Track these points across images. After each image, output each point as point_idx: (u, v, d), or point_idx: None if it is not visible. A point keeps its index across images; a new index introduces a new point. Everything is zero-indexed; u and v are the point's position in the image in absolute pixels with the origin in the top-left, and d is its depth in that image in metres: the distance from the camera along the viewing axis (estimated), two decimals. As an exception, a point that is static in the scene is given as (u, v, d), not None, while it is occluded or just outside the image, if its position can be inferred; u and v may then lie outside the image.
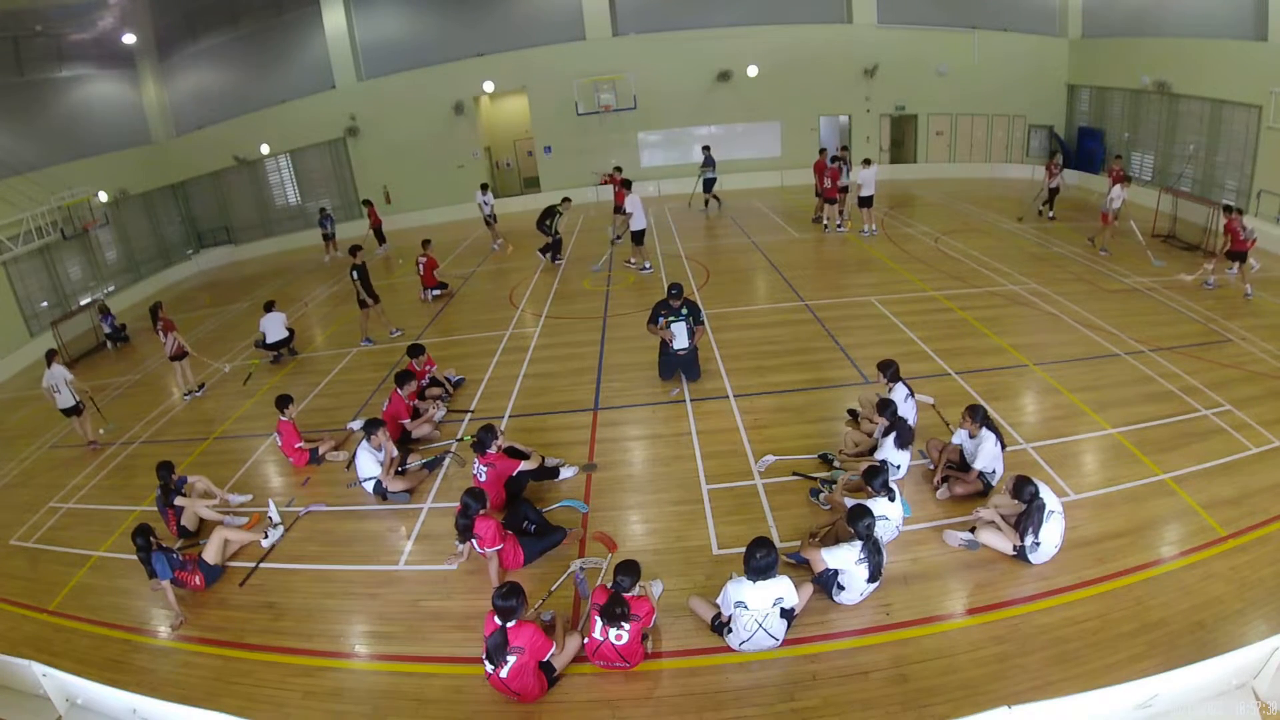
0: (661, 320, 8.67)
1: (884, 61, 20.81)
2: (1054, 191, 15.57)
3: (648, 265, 14.12)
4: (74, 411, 9.41)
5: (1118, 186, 13.06)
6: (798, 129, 21.90)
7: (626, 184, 14.65)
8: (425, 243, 13.96)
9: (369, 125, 21.55)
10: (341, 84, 21.33)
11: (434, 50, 21.16)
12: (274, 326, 11.54)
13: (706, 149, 18.86)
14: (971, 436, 6.26)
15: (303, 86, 21.35)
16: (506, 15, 21.17)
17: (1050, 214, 15.58)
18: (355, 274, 11.58)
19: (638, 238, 13.82)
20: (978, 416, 6.18)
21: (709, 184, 18.83)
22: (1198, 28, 15.72)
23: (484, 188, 18.01)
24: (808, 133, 21.84)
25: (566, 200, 15.69)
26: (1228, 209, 10.87)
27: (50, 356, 9.56)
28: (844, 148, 18.41)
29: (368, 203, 19.19)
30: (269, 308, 11.63)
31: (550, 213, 15.07)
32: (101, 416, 10.14)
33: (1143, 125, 17.79)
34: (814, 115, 21.94)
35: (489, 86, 21.43)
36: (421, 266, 13.71)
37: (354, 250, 12.02)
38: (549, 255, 15.40)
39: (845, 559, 4.99)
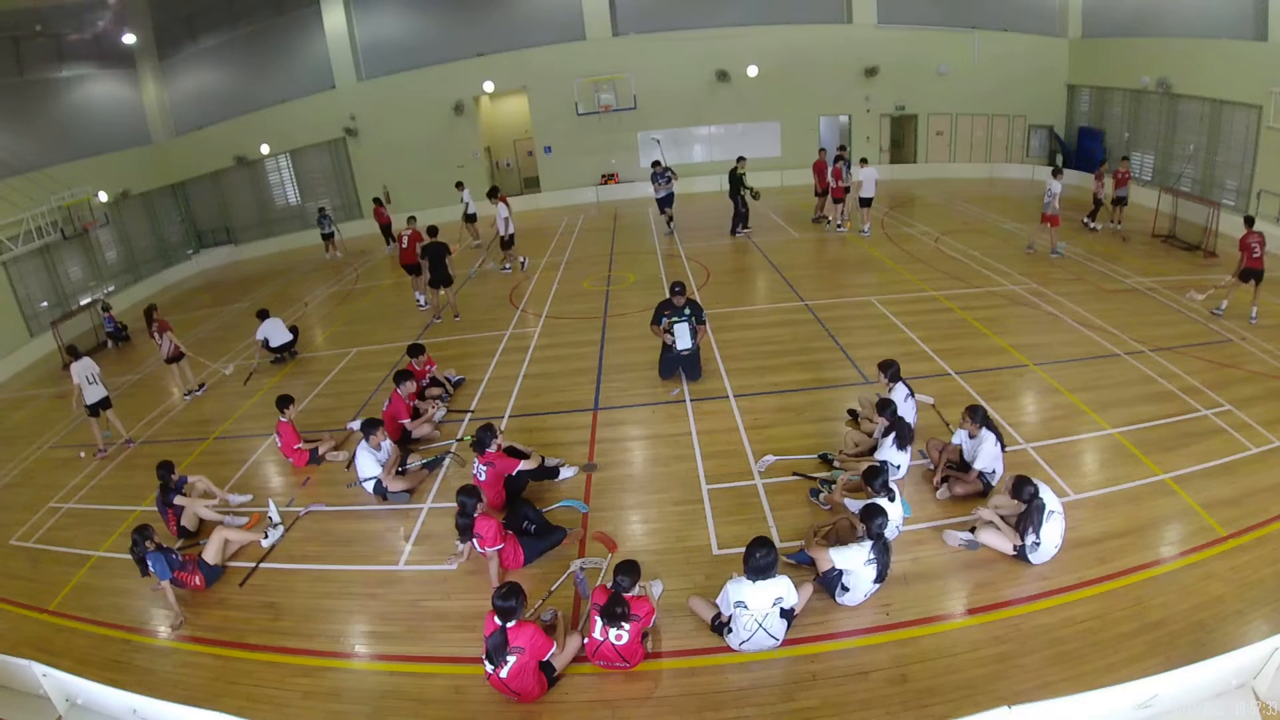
0: (665, 320, 8.70)
1: (884, 61, 20.80)
2: (1117, 201, 14.51)
3: (507, 267, 15.10)
4: (102, 406, 9.25)
5: (1054, 182, 12.84)
6: (798, 129, 21.90)
7: (494, 191, 15.08)
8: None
9: (369, 125, 21.54)
10: (341, 84, 21.32)
11: (434, 50, 21.16)
12: (276, 331, 11.42)
13: (657, 164, 16.47)
14: (971, 437, 6.26)
15: (303, 86, 21.35)
16: (506, 15, 21.17)
17: (1117, 223, 14.60)
18: (433, 253, 11.72)
19: (506, 243, 14.75)
20: (977, 417, 6.18)
21: (666, 201, 16.58)
22: (1198, 28, 15.72)
23: (460, 185, 17.71)
24: (808, 133, 21.84)
25: (741, 159, 15.66)
26: (1249, 221, 9.82)
27: (75, 352, 9.52)
28: (841, 147, 18.27)
29: (377, 201, 19.14)
30: (263, 315, 11.42)
31: (736, 181, 15.34)
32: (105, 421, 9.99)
33: (1143, 125, 17.78)
34: (814, 115, 21.94)
35: (489, 86, 21.43)
36: (407, 240, 13.24)
37: (432, 230, 12.18)
38: (739, 226, 15.80)
39: (854, 559, 4.97)
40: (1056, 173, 13.37)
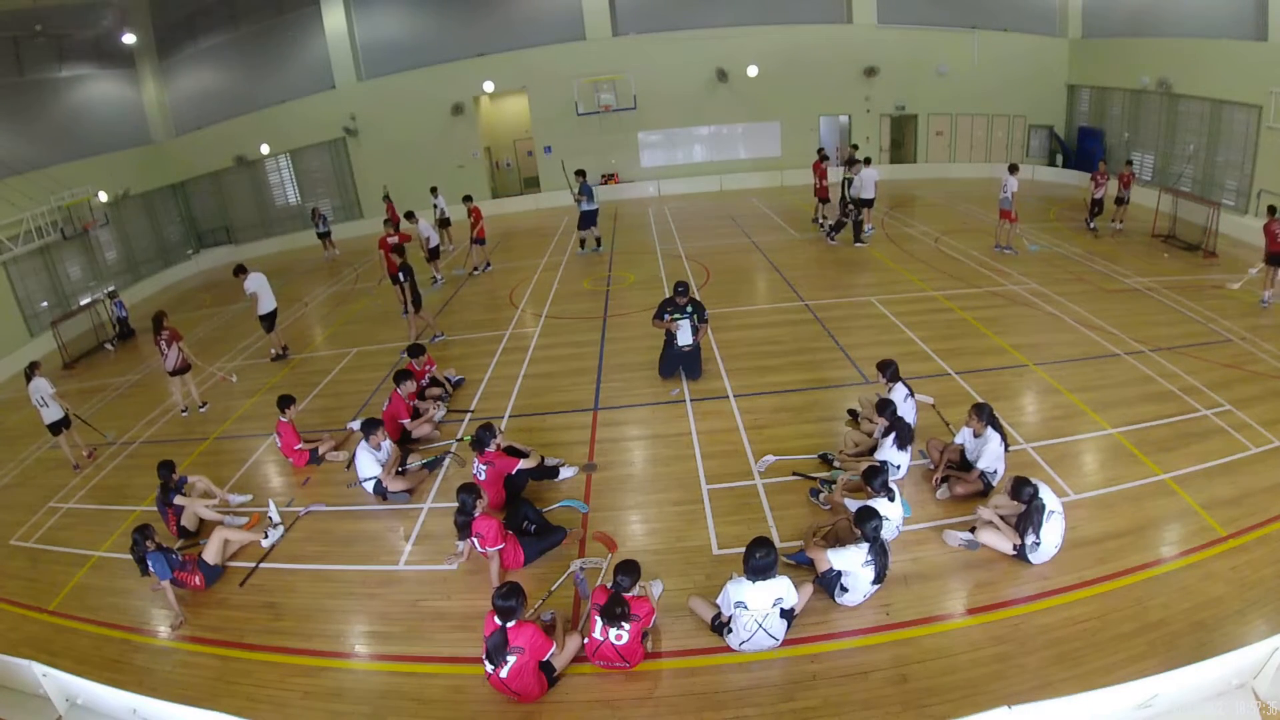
0: (667, 317, 8.77)
1: (884, 61, 20.82)
2: (1119, 201, 14.50)
3: (439, 278, 14.81)
4: (63, 425, 8.91)
5: (1011, 179, 12.90)
6: (798, 129, 21.91)
7: (409, 215, 14.35)
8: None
9: (369, 125, 21.56)
10: (341, 84, 21.33)
11: (434, 50, 21.17)
12: (265, 290, 11.16)
13: (580, 174, 15.41)
14: (976, 435, 6.24)
15: (303, 86, 21.35)
16: (506, 15, 21.18)
17: (1118, 223, 14.51)
18: (401, 275, 11.10)
19: (434, 254, 14.49)
20: (984, 415, 6.15)
21: (588, 218, 15.43)
22: (1198, 28, 15.73)
23: (434, 191, 17.58)
24: (808, 133, 21.85)
25: (853, 162, 14.38)
26: (1271, 210, 10.22)
27: (32, 369, 8.92)
28: (854, 145, 18.08)
29: (388, 199, 19.03)
30: (241, 271, 11.18)
31: (844, 184, 14.43)
32: (96, 430, 9.78)
33: (1143, 125, 17.80)
34: (814, 115, 21.96)
35: (489, 86, 21.43)
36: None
37: (399, 249, 11.51)
38: (834, 234, 14.68)
39: (852, 561, 4.97)
40: (1013, 169, 13.34)
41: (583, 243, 15.86)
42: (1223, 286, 10.83)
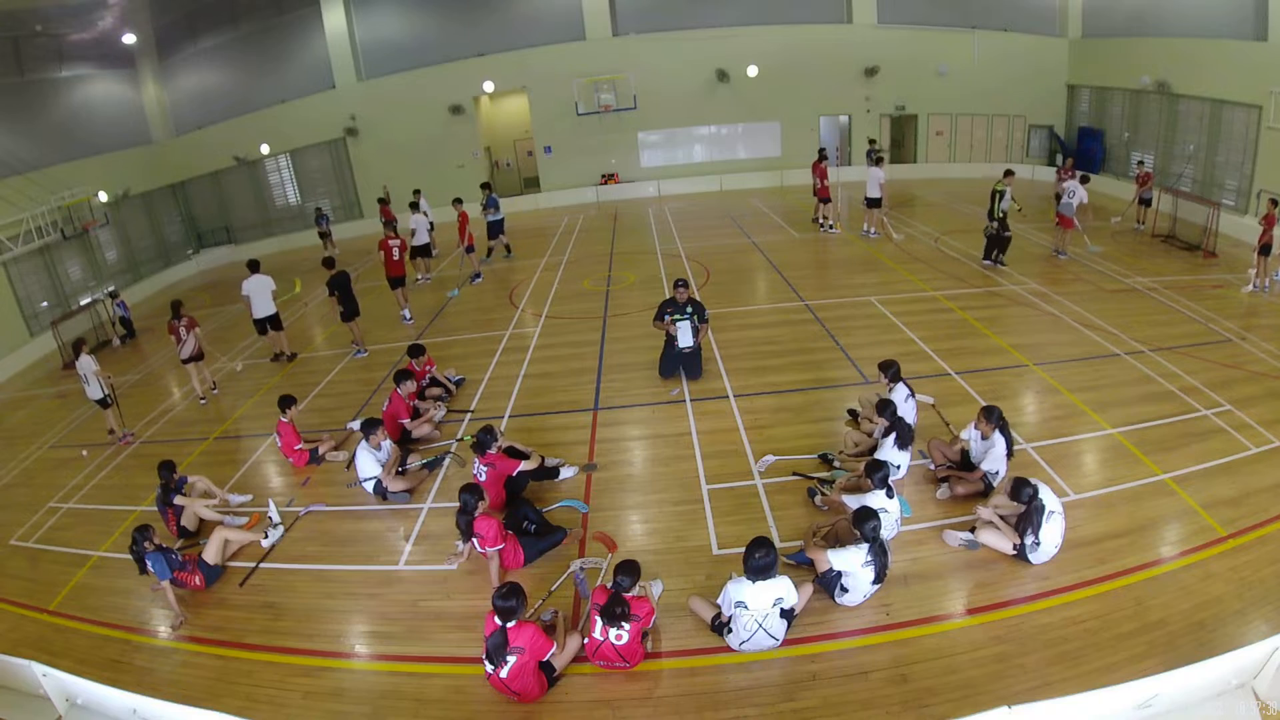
0: (667, 318, 8.79)
1: (884, 61, 20.82)
2: (1143, 201, 14.57)
3: (419, 278, 14.76)
4: (103, 404, 9.50)
5: (1074, 183, 12.83)
6: (797, 129, 21.92)
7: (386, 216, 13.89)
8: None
9: (369, 125, 21.56)
10: (341, 84, 21.34)
11: (434, 50, 21.18)
12: (261, 294, 11.07)
13: (486, 187, 16.29)
14: (984, 438, 6.23)
15: (303, 86, 21.36)
16: (506, 15, 21.19)
17: (1141, 224, 14.66)
18: (329, 287, 10.97)
19: (422, 251, 14.50)
20: (993, 418, 6.13)
21: (495, 227, 15.94)
22: (1198, 28, 15.72)
23: (416, 193, 17.14)
24: (808, 133, 21.85)
25: (1009, 173, 12.80)
26: (1274, 202, 10.75)
27: (78, 347, 9.48)
28: (872, 141, 17.75)
29: (381, 201, 18.57)
30: (254, 267, 11.15)
31: (993, 200, 12.55)
32: (121, 419, 9.88)
33: (1143, 125, 17.80)
34: (814, 115, 21.97)
35: (489, 86, 21.44)
36: (397, 250, 12.59)
37: (329, 261, 11.36)
38: (994, 255, 12.65)
39: (852, 561, 4.97)
40: (1085, 179, 13.29)
41: (490, 250, 16.34)
42: (1224, 286, 10.93)
